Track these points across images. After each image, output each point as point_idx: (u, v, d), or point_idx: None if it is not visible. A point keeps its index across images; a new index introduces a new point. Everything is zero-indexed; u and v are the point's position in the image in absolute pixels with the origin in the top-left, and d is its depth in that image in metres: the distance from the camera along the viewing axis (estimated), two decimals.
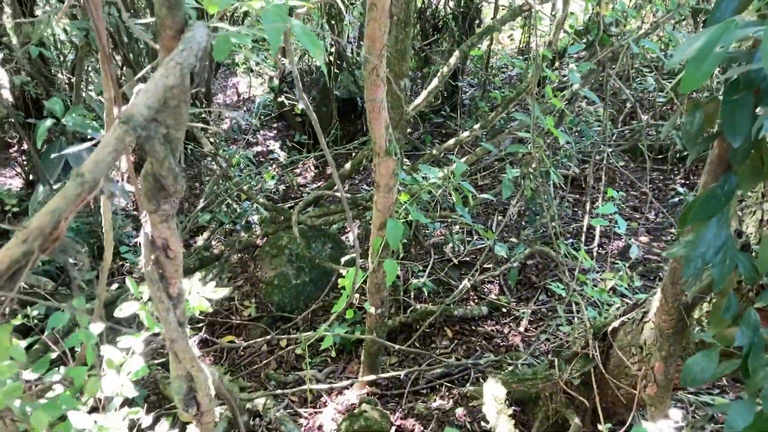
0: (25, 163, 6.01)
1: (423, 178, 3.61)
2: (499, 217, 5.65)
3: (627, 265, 4.55)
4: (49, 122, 3.20)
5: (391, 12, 3.96)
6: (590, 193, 4.62)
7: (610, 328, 2.61)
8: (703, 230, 1.32)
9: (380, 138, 3.02)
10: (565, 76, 3.61)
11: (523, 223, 5.38)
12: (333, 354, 4.15)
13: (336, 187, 5.63)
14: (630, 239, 5.11)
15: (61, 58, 6.49)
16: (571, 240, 5.09)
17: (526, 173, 3.75)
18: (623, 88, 4.07)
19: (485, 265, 4.78)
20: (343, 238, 5.66)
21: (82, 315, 1.79)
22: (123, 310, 1.87)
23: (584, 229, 4.16)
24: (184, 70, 0.99)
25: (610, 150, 5.42)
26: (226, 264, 4.56)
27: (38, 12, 5.26)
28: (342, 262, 4.16)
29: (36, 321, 3.46)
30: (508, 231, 5.49)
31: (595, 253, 4.44)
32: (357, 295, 4.08)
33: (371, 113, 2.96)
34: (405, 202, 3.48)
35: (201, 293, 2.02)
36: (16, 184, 7.25)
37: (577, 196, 5.89)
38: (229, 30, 1.24)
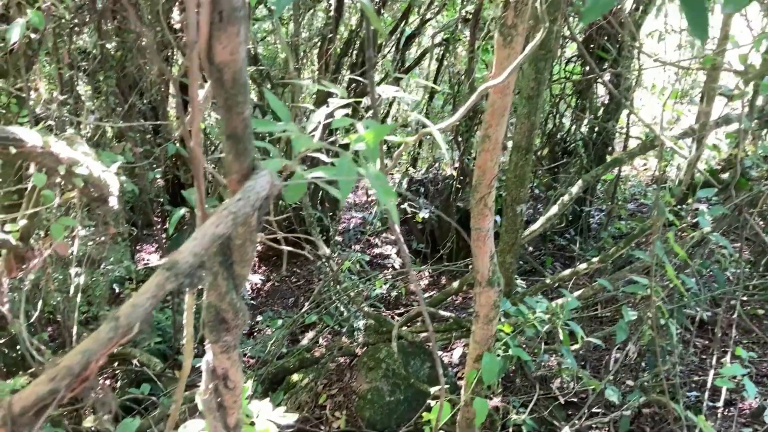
0: (164, 242, 6.45)
1: (530, 309, 3.43)
2: (617, 355, 5.23)
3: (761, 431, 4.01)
4: (182, 211, 3.41)
5: (514, 138, 3.94)
6: (718, 345, 4.17)
7: None
8: None
9: (483, 267, 2.92)
10: (696, 216, 3.36)
11: (643, 364, 4.94)
12: None
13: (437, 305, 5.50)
14: (766, 400, 4.51)
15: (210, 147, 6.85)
16: (695, 393, 4.58)
17: (643, 317, 3.46)
18: (762, 235, 3.72)
19: (594, 409, 4.38)
20: (446, 356, 5.46)
21: None
22: (188, 429, 1.85)
23: (708, 385, 3.73)
24: (237, 220, 0.98)
25: (745, 298, 4.92)
26: (323, 369, 4.52)
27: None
28: (432, 393, 3.98)
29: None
30: (626, 372, 5.05)
31: (720, 414, 3.95)
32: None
33: (476, 241, 2.89)
34: (507, 335, 3.31)
35: (269, 417, 1.97)
36: (154, 259, 7.83)
37: (707, 342, 5.35)
38: (304, 174, 1.24)
